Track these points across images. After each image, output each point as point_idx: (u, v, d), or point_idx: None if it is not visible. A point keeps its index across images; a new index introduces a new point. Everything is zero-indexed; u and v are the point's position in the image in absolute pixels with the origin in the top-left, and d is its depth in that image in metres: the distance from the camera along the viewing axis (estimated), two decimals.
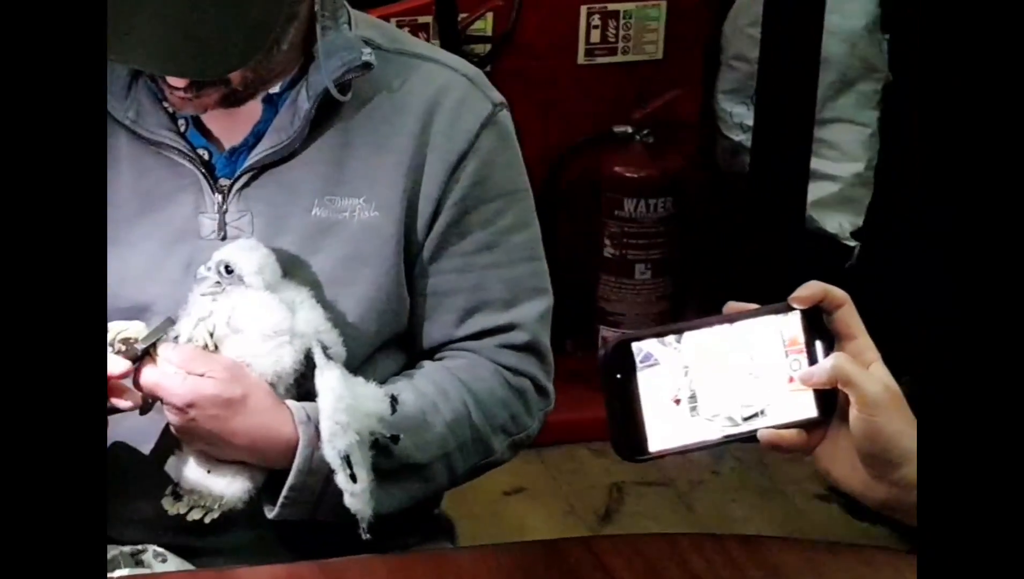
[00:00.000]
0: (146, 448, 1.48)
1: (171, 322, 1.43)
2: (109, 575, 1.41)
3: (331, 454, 1.39)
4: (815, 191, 3.19)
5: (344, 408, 1.40)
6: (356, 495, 1.40)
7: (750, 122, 3.20)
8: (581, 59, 3.23)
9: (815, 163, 3.13)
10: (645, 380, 1.03)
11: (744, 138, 3.28)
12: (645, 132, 3.19)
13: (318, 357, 1.42)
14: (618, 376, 1.03)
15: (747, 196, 3.17)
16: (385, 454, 1.44)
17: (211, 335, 1.42)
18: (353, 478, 1.40)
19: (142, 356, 1.39)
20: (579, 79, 3.24)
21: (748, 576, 1.35)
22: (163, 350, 1.40)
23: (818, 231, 3.30)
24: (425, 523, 1.62)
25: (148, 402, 1.40)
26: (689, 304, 3.30)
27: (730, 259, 3.28)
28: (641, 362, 1.03)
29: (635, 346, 1.03)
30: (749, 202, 3.16)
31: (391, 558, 1.46)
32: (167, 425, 1.43)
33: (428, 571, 1.42)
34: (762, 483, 3.04)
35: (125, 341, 1.39)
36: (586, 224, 3.23)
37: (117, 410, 1.38)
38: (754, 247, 3.13)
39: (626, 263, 3.21)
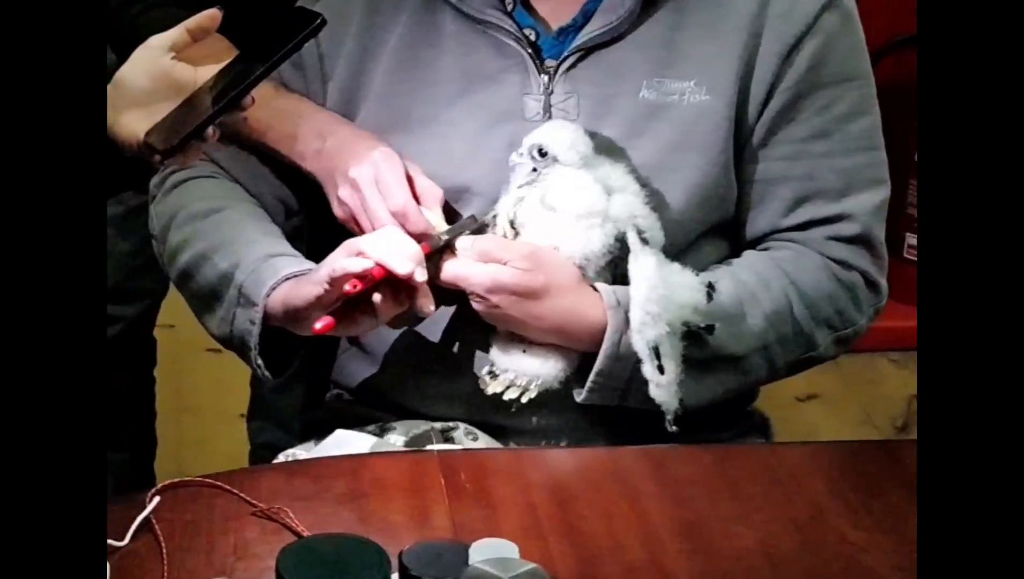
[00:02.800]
0: (464, 329, 1.49)
1: (474, 219, 1.45)
2: (421, 449, 1.43)
3: (639, 344, 1.38)
4: None
5: (656, 298, 1.38)
6: (663, 386, 1.39)
7: None
8: None
9: None
10: None
11: None
12: None
13: (633, 242, 1.40)
14: None
15: None
16: (698, 344, 1.42)
17: (512, 224, 1.42)
18: (661, 369, 1.38)
19: (443, 249, 1.41)
20: None
21: None
22: (461, 243, 1.41)
23: None
24: (740, 419, 1.58)
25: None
26: None
27: None
28: None
29: None
30: None
31: (715, 448, 1.44)
32: None
33: (751, 463, 1.40)
34: None
35: (426, 237, 1.41)
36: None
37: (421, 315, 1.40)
38: None
39: None
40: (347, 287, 1.33)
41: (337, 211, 1.48)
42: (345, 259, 1.35)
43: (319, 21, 1.29)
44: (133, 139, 1.35)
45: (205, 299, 1.49)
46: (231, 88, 1.30)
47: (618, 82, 1.46)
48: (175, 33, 1.37)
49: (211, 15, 1.36)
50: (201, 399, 2.96)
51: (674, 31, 1.46)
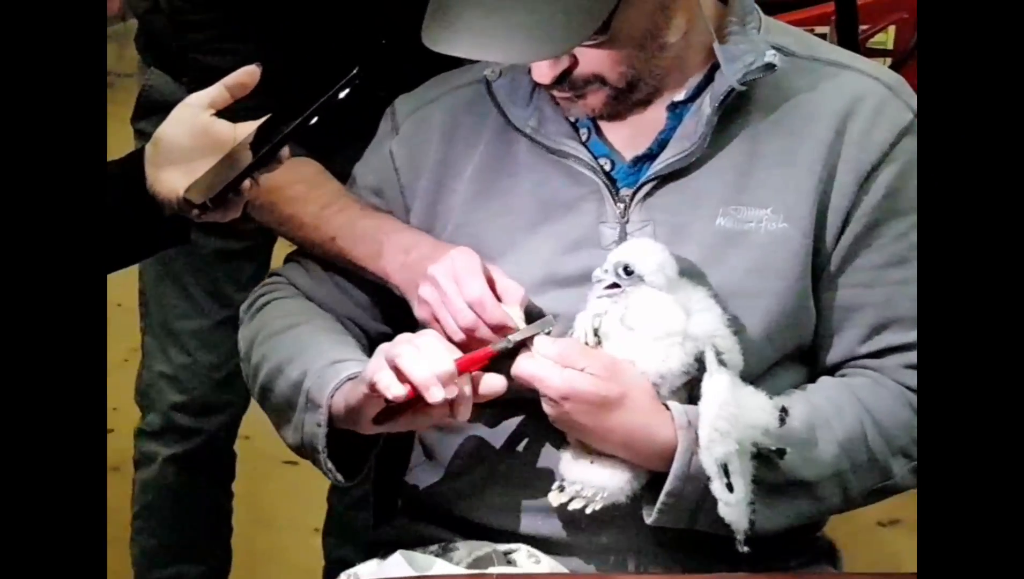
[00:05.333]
0: (534, 438, 1.50)
1: (552, 319, 1.44)
2: (481, 571, 1.43)
3: (708, 460, 1.37)
4: None
5: (727, 415, 1.37)
6: (732, 506, 1.38)
7: None
8: None
9: None
10: None
11: None
12: None
13: (710, 362, 1.40)
14: None
15: None
16: (769, 466, 1.41)
17: (595, 332, 1.42)
18: (730, 487, 1.37)
19: (518, 349, 1.41)
20: None
21: None
22: (540, 343, 1.41)
23: None
24: (807, 545, 1.57)
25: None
26: None
27: None
28: None
29: None
30: None
31: (780, 576, 1.43)
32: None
33: None
34: None
35: (500, 330, 1.41)
36: None
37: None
38: None
39: None
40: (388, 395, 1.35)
41: (418, 312, 1.50)
42: (378, 372, 1.36)
43: (353, 74, 1.31)
44: (173, 196, 1.38)
45: (281, 411, 1.51)
46: (266, 142, 1.32)
47: (694, 210, 1.47)
48: (214, 90, 1.39)
49: (249, 72, 1.39)
50: (277, 512, 2.97)
51: (750, 158, 1.47)
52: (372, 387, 1.36)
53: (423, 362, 1.35)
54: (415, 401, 1.36)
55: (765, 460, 1.40)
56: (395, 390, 1.34)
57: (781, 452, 1.40)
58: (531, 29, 1.35)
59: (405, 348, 1.37)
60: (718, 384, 1.39)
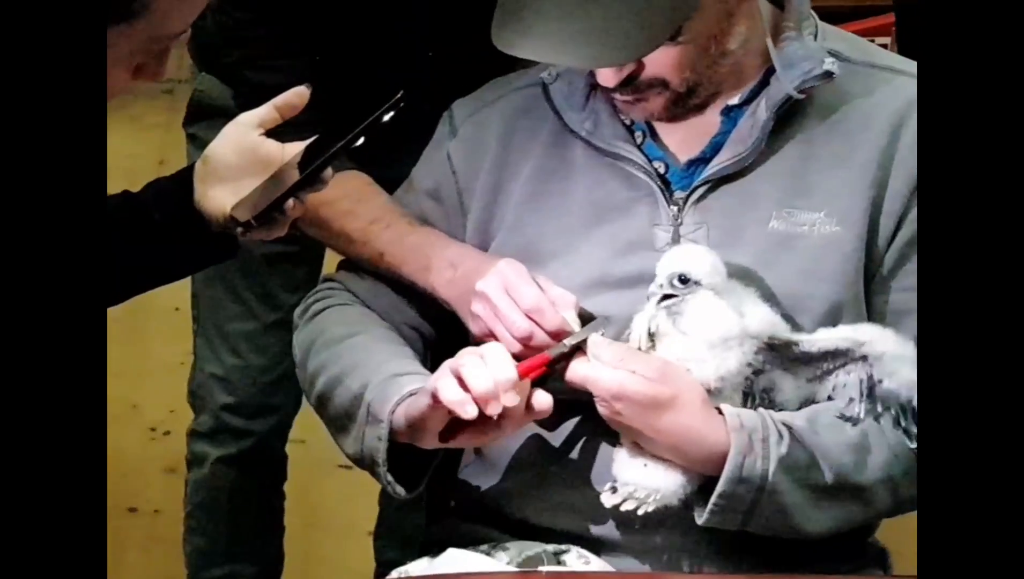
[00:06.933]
0: (589, 438, 1.50)
1: (605, 320, 1.45)
2: (531, 570, 1.43)
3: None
4: None
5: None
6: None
7: None
8: None
9: None
10: None
11: None
12: None
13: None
14: None
15: None
16: (819, 471, 1.41)
17: (651, 336, 1.42)
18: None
19: (573, 352, 1.41)
20: None
21: None
22: (593, 345, 1.41)
23: None
24: (858, 550, 1.56)
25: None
26: None
27: None
28: None
29: None
30: None
31: (829, 578, 1.42)
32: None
33: None
34: None
35: (558, 335, 1.42)
36: None
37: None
38: None
39: None
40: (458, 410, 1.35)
41: (472, 327, 1.51)
42: (441, 380, 1.37)
43: (397, 97, 1.32)
44: (220, 213, 1.40)
45: (340, 421, 1.52)
46: (311, 162, 1.33)
47: (747, 213, 1.47)
48: (263, 111, 1.41)
49: (299, 93, 1.40)
50: (330, 515, 2.99)
51: (804, 162, 1.47)
52: (435, 397, 1.36)
53: (486, 371, 1.36)
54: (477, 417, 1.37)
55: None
56: (448, 397, 1.35)
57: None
58: (606, 34, 1.36)
59: (469, 358, 1.38)
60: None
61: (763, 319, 1.42)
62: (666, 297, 1.42)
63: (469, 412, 1.34)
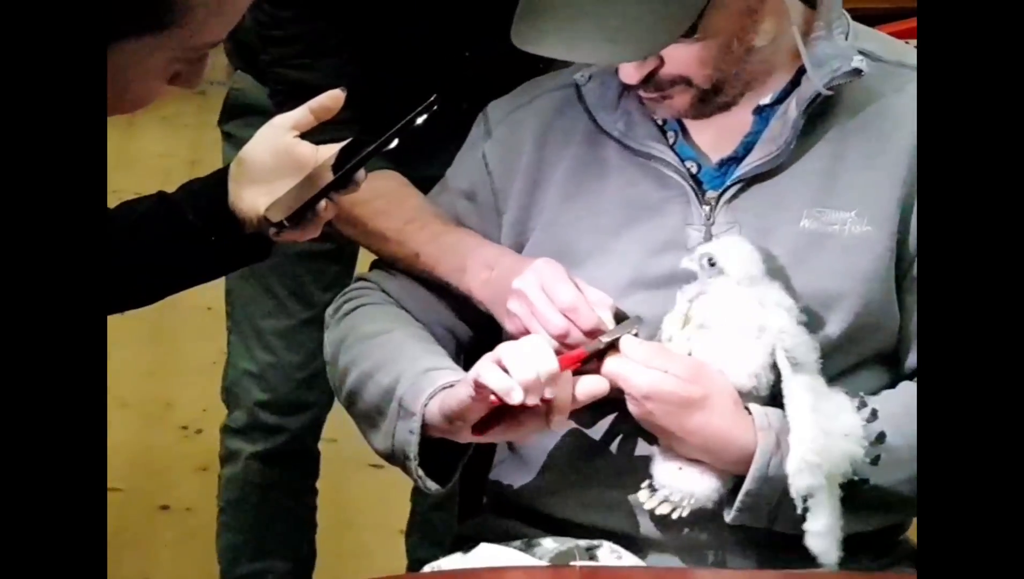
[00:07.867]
0: (625, 436, 1.51)
1: (639, 319, 1.46)
2: (565, 565, 1.44)
3: (794, 490, 1.38)
4: None
5: (817, 449, 1.37)
6: (815, 535, 1.39)
7: None
8: None
9: None
10: None
11: None
12: None
13: (783, 365, 1.40)
14: None
15: None
16: (856, 486, 1.41)
17: (683, 332, 1.43)
18: (806, 514, 1.38)
19: (606, 349, 1.42)
20: None
21: None
22: (626, 344, 1.42)
23: None
24: (891, 548, 1.57)
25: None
26: None
27: None
28: None
29: None
30: None
31: (859, 575, 1.43)
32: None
33: None
34: None
35: (594, 334, 1.43)
36: None
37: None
38: None
39: None
40: (492, 398, 1.35)
41: (508, 326, 1.52)
42: (487, 371, 1.37)
43: (430, 101, 1.33)
44: (253, 214, 1.41)
45: (370, 416, 1.52)
46: (345, 164, 1.34)
47: (779, 212, 1.48)
48: (298, 113, 1.42)
49: (334, 96, 1.41)
50: (362, 514, 3.00)
51: (835, 161, 1.48)
52: (477, 384, 1.36)
53: (529, 361, 1.36)
54: (512, 409, 1.37)
55: (850, 484, 1.40)
56: (494, 382, 1.34)
57: (865, 481, 1.41)
58: (619, 31, 1.37)
59: (510, 347, 1.39)
60: (801, 405, 1.38)
61: (775, 320, 1.42)
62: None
63: (515, 397, 1.34)
